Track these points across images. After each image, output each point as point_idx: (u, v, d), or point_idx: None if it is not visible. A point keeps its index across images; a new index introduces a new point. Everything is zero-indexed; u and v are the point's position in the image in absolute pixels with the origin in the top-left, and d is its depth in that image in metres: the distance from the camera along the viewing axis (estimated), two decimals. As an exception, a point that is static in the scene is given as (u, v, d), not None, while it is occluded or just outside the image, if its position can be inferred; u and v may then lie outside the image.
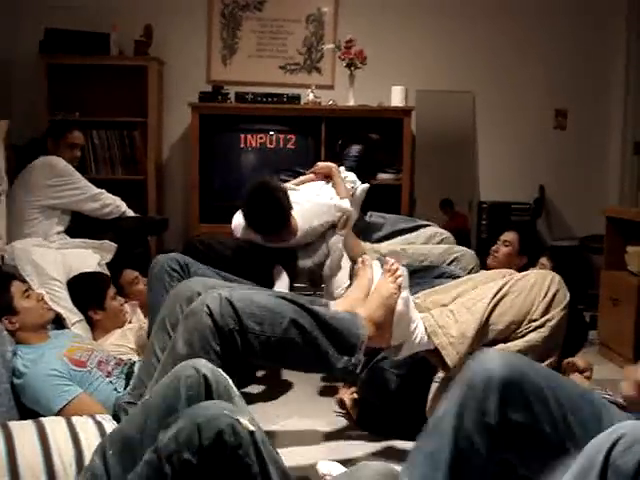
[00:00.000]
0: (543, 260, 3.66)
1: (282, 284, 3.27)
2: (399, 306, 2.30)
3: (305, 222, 3.32)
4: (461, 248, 3.74)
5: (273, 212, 3.19)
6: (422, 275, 3.26)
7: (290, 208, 3.24)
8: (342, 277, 3.27)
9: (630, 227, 3.96)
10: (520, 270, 3.79)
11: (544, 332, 2.36)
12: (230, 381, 1.77)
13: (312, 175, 3.70)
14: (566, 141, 5.78)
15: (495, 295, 2.41)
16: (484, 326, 2.37)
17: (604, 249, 4.25)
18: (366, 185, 3.79)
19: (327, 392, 3.29)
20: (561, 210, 5.80)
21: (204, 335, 2.03)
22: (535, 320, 2.38)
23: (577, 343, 3.16)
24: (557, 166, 5.75)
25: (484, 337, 2.38)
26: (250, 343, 2.07)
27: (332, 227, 3.43)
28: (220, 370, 1.77)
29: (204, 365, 1.74)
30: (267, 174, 3.68)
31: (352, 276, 2.77)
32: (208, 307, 2.06)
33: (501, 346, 2.37)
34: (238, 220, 3.39)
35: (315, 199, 3.48)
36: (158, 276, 2.97)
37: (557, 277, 2.46)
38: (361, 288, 2.40)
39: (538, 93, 5.72)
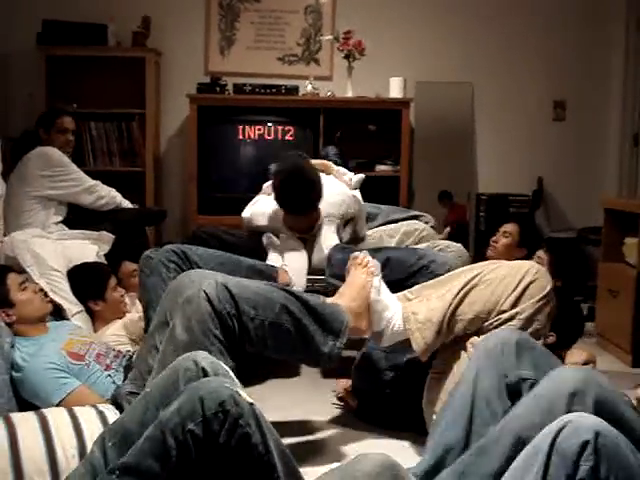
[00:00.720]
0: (540, 253, 3.66)
1: (274, 252, 3.32)
2: (372, 294, 2.44)
3: (326, 209, 3.36)
4: (445, 242, 3.72)
5: (310, 189, 3.24)
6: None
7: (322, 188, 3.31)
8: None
9: (628, 219, 3.96)
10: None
11: (515, 325, 2.29)
12: (231, 372, 1.78)
13: None
14: (565, 133, 5.78)
15: (465, 285, 2.39)
16: (452, 315, 2.36)
17: (602, 241, 4.25)
18: (362, 175, 3.80)
19: (326, 384, 3.30)
20: (559, 202, 5.81)
21: (203, 320, 2.07)
22: (504, 312, 2.32)
23: (573, 335, 3.16)
24: (555, 158, 5.75)
25: (453, 326, 2.37)
26: (246, 326, 2.14)
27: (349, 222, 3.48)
28: (220, 363, 1.78)
29: (204, 358, 1.76)
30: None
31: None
32: (205, 292, 2.10)
33: (474, 339, 2.35)
34: (257, 209, 3.44)
35: (333, 189, 3.48)
36: (154, 270, 2.93)
37: (535, 268, 2.39)
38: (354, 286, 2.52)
39: (537, 84, 5.72)
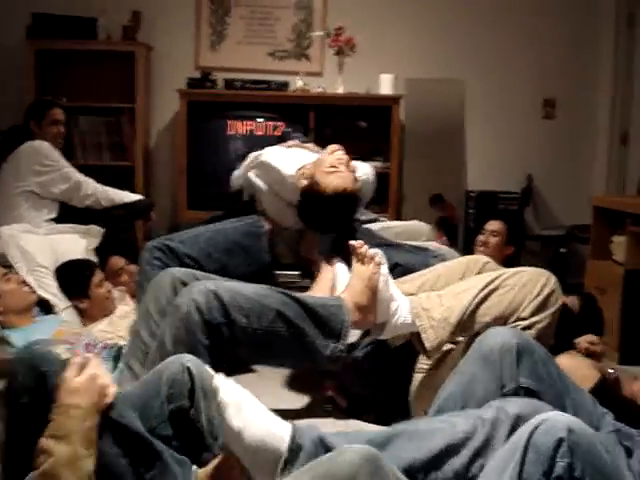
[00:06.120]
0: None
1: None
2: (380, 284, 2.32)
3: None
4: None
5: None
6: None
7: None
8: None
9: (616, 217, 3.98)
10: (505, 260, 3.79)
11: (532, 334, 2.23)
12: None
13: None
14: (554, 131, 5.79)
15: (486, 286, 2.33)
16: (470, 316, 2.30)
17: (590, 238, 4.26)
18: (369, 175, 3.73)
19: (313, 383, 3.29)
20: (549, 199, 5.82)
21: (192, 330, 2.03)
22: (524, 319, 2.28)
23: (569, 339, 3.09)
24: (545, 155, 5.76)
25: (469, 328, 2.31)
26: (237, 336, 2.08)
27: None
28: (206, 367, 1.75)
29: (190, 360, 1.73)
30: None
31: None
32: (195, 301, 2.06)
33: None
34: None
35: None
36: (141, 270, 2.94)
37: (553, 278, 2.36)
38: (324, 286, 2.48)
39: (527, 82, 5.73)
